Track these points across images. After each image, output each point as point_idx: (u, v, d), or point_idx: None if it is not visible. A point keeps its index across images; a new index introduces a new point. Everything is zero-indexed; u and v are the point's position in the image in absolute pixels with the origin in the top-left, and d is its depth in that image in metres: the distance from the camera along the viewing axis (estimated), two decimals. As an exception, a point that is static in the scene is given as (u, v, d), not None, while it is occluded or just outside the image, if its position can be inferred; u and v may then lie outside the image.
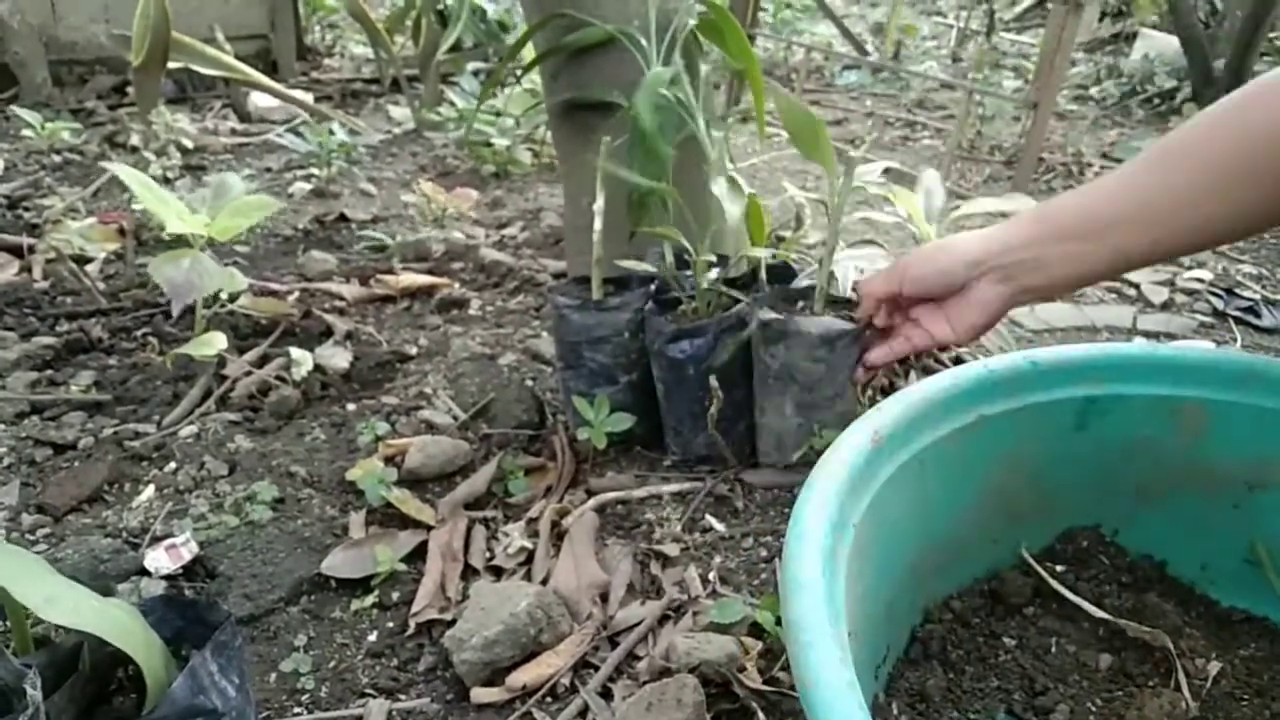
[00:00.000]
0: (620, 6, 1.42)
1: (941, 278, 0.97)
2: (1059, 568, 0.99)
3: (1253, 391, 0.92)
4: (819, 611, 0.61)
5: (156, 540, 1.20)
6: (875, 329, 1.15)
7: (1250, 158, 0.76)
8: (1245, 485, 0.95)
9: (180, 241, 1.64)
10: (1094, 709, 0.85)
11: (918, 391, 0.86)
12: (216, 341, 1.49)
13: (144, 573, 1.15)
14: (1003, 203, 1.42)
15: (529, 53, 1.71)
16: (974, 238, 0.95)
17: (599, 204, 1.31)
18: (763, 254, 1.39)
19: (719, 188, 1.25)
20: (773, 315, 1.25)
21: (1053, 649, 0.91)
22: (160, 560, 1.16)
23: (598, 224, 1.31)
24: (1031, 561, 0.97)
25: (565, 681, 1.01)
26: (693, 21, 1.40)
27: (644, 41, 1.37)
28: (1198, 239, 0.84)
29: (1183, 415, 0.94)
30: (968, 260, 0.94)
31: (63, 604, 0.75)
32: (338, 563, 1.17)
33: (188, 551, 1.17)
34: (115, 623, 0.77)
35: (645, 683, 0.99)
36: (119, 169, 1.54)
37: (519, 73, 2.55)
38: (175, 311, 1.52)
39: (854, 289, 1.17)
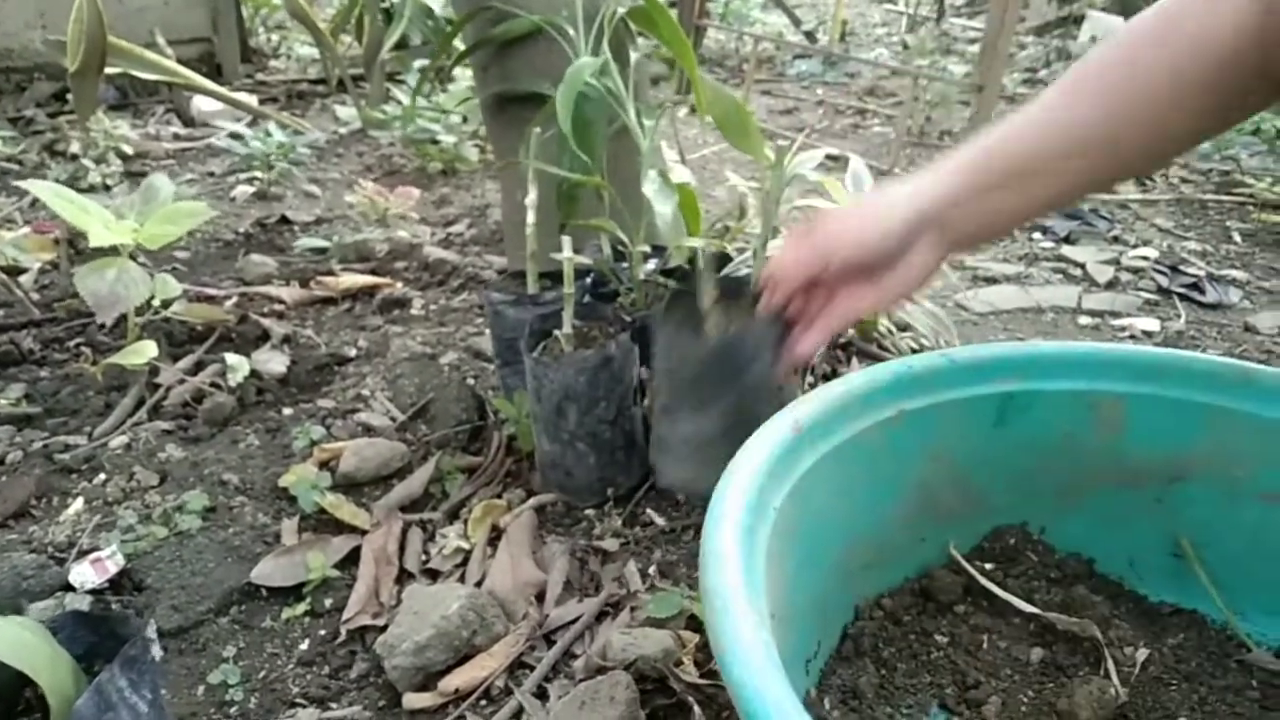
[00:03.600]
0: (547, -4, 1.40)
1: (880, 246, 0.83)
2: (988, 566, 0.99)
3: (1167, 384, 0.93)
4: (735, 580, 0.61)
5: (83, 554, 1.17)
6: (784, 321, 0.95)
7: (1179, 82, 0.72)
8: (1165, 478, 0.95)
9: (111, 250, 1.60)
10: (1025, 700, 0.85)
11: (839, 385, 0.86)
12: (147, 350, 1.45)
13: (69, 588, 1.12)
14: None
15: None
16: (899, 197, 0.83)
17: (531, 198, 1.29)
18: (699, 244, 1.38)
19: (650, 186, 1.23)
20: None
21: (984, 645, 0.91)
22: (85, 574, 1.12)
23: (530, 218, 1.29)
24: (961, 560, 0.97)
25: (500, 683, 1.00)
26: (622, 10, 1.38)
27: (572, 31, 1.35)
28: (1134, 168, 0.82)
29: (1100, 410, 0.95)
30: (906, 222, 0.82)
31: (-42, 625, 0.73)
32: (268, 571, 1.14)
33: (114, 564, 1.14)
34: (15, 641, 0.74)
35: (581, 681, 0.97)
36: (34, 185, 1.50)
37: (449, 67, 2.53)
38: (103, 322, 1.48)
39: (761, 284, 0.94)
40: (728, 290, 1.21)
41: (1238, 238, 2.50)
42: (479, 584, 1.13)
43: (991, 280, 2.16)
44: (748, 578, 0.63)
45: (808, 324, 0.93)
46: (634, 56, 1.40)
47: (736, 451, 0.75)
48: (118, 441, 1.41)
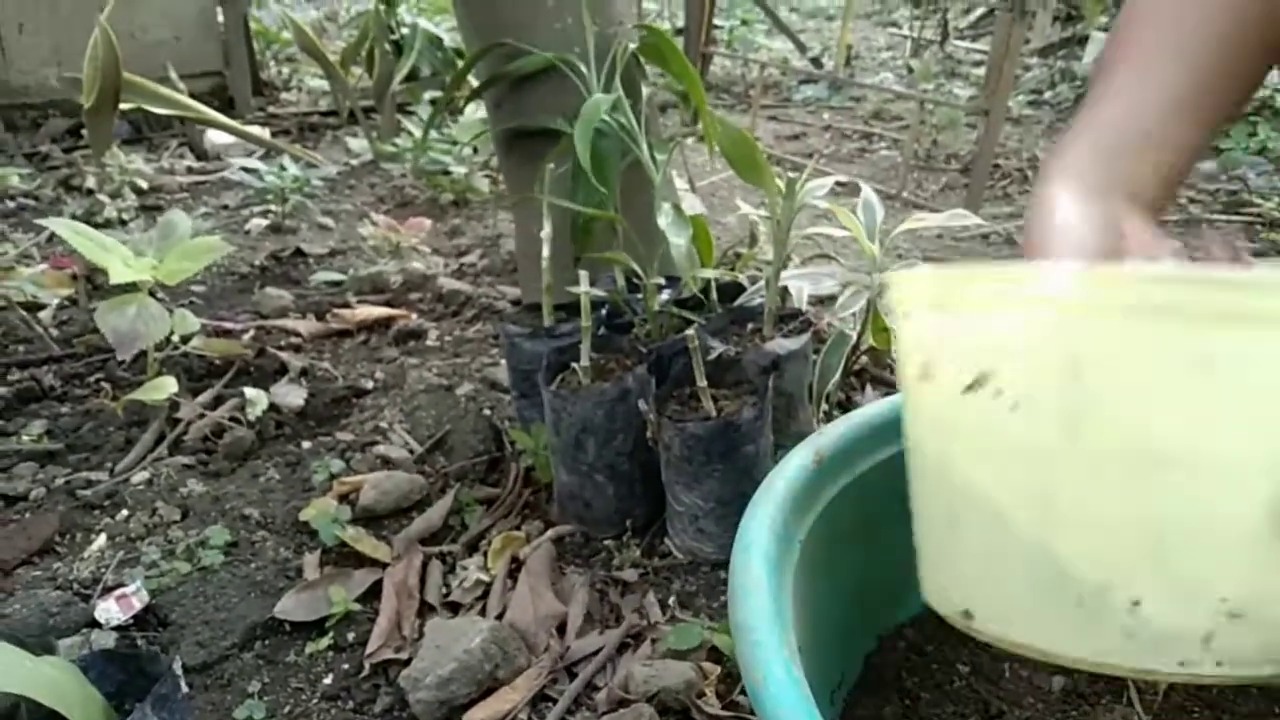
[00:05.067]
0: (559, 34, 1.43)
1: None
2: None
3: None
4: (765, 613, 0.62)
5: (107, 590, 1.18)
6: None
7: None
8: None
9: (130, 286, 1.62)
10: (1049, 729, 0.85)
11: (860, 415, 0.87)
12: (167, 386, 1.47)
13: (94, 624, 1.13)
14: (948, 219, 1.43)
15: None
16: (1058, 205, 0.61)
17: (546, 231, 1.30)
18: (712, 274, 1.40)
19: (664, 219, 1.25)
20: (720, 348, 1.25)
21: (1006, 674, 0.91)
22: (110, 611, 1.14)
23: (546, 251, 1.31)
24: None
25: (523, 716, 1.00)
26: (633, 45, 1.40)
27: (584, 68, 1.37)
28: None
29: None
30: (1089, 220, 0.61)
31: (-7, 666, 0.74)
32: (291, 606, 1.15)
33: (138, 601, 1.15)
34: (49, 682, 0.75)
35: (604, 714, 0.98)
36: (55, 223, 1.52)
37: (464, 103, 2.56)
38: (124, 358, 1.50)
39: None
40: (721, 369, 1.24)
41: (1247, 257, 2.50)
42: (500, 616, 1.13)
43: (1002, 304, 2.17)
44: (776, 609, 0.63)
45: None
46: (645, 92, 1.42)
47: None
48: (139, 477, 1.43)
